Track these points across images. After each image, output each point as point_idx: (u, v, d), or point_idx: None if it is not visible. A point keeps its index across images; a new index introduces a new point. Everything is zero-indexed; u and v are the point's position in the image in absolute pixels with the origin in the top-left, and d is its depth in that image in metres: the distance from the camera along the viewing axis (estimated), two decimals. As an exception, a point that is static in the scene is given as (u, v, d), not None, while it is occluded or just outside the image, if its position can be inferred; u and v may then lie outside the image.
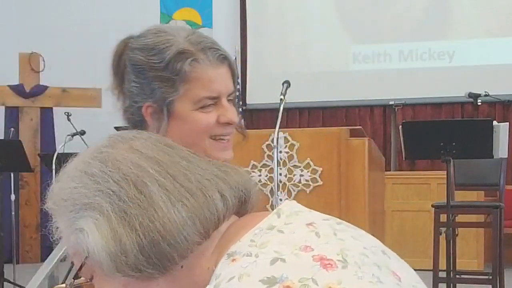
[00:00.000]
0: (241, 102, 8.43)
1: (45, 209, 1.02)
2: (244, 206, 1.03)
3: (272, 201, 4.11)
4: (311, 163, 4.34)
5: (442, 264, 4.79)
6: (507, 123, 4.87)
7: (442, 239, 4.69)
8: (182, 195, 0.95)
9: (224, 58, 1.49)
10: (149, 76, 1.48)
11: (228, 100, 1.49)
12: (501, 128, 4.55)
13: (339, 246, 0.92)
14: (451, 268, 4.72)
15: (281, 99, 4.04)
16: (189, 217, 0.94)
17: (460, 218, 5.50)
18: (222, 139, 1.50)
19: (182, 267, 0.96)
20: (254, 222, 0.97)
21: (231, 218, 1.00)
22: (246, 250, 0.92)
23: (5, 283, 5.87)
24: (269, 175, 4.33)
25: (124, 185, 0.95)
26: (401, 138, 4.75)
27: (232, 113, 1.49)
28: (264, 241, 0.92)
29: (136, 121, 1.55)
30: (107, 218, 0.93)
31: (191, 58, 1.45)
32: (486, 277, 5.27)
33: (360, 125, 6.24)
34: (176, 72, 1.45)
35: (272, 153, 4.01)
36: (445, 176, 4.67)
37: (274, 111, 4.85)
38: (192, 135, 1.47)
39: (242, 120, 8.25)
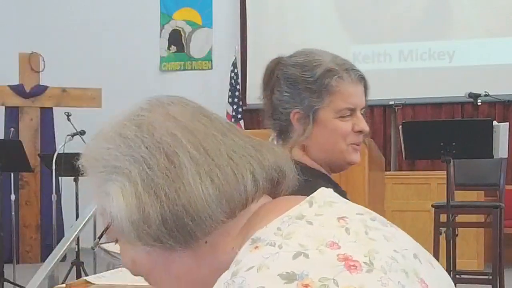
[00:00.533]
0: (241, 102, 8.44)
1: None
2: (278, 187, 0.99)
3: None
4: (311, 163, 4.34)
5: (442, 264, 4.74)
6: (507, 123, 4.87)
7: (442, 239, 4.69)
8: (212, 170, 0.93)
9: (362, 78, 1.87)
10: (300, 87, 1.79)
11: (361, 113, 1.82)
12: (501, 128, 4.55)
13: (368, 246, 0.88)
14: (451, 268, 4.72)
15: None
16: (216, 195, 0.92)
17: (460, 218, 5.50)
18: (355, 145, 1.81)
19: (206, 242, 0.94)
20: (284, 207, 0.93)
21: (263, 198, 0.97)
22: (270, 239, 0.88)
23: (5, 283, 5.87)
24: (269, 175, 4.33)
25: (156, 153, 0.94)
26: (401, 138, 4.75)
27: (364, 123, 1.81)
28: (290, 231, 0.89)
29: (282, 125, 1.83)
30: (134, 186, 0.93)
31: (336, 76, 1.78)
32: (486, 277, 5.27)
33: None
34: (323, 86, 1.77)
35: (272, 153, 4.01)
36: (445, 176, 4.67)
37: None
38: (331, 138, 1.79)
39: (242, 121, 8.28)
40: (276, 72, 1.88)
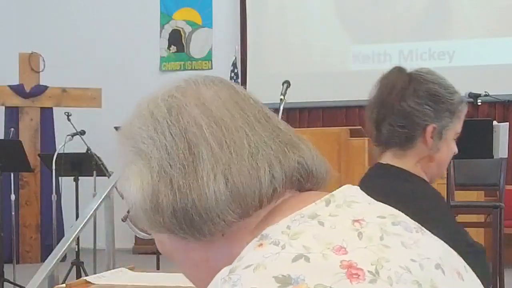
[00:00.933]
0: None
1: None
2: (304, 184, 0.94)
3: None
4: (311, 163, 4.33)
5: (442, 264, 4.78)
6: (507, 123, 4.87)
7: (442, 239, 4.69)
8: (228, 170, 0.90)
9: None
10: (442, 106, 1.98)
11: None
12: (501, 128, 4.55)
13: (379, 254, 0.82)
14: (451, 268, 4.71)
15: (281, 99, 4.05)
16: (227, 196, 0.89)
17: (460, 218, 5.49)
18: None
19: (223, 235, 0.92)
20: (303, 203, 0.89)
21: (288, 192, 0.93)
22: (276, 237, 0.84)
23: (5, 283, 5.87)
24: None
25: (178, 141, 0.92)
26: (401, 138, 4.74)
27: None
28: (298, 231, 0.84)
29: (408, 134, 1.99)
30: (151, 172, 0.92)
31: (464, 104, 2.04)
32: (486, 277, 5.26)
33: (360, 125, 6.23)
34: (457, 110, 2.01)
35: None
36: (445, 176, 4.67)
37: (274, 111, 4.85)
38: (447, 156, 2.04)
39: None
40: (413, 83, 2.03)
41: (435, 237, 0.91)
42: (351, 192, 0.92)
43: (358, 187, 0.94)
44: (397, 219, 0.89)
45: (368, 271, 0.79)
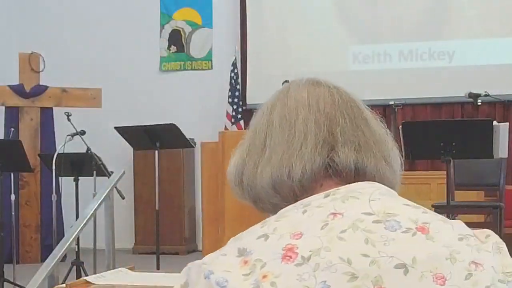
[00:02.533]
0: (241, 102, 8.44)
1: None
2: (345, 177, 1.05)
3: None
4: (311, 163, 4.33)
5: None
6: (507, 123, 4.87)
7: (442, 239, 4.68)
8: (274, 165, 1.06)
9: None
10: None
11: None
12: (501, 128, 4.55)
13: (325, 244, 0.92)
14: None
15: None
16: (269, 186, 1.07)
17: (460, 218, 5.49)
18: None
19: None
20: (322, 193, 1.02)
21: (329, 182, 1.05)
22: (274, 218, 0.99)
23: (5, 283, 5.86)
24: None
25: (260, 132, 1.10)
26: (401, 138, 4.75)
27: None
28: (283, 216, 0.99)
29: None
30: (243, 152, 1.12)
31: None
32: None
33: (360, 125, 6.22)
34: None
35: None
36: (445, 176, 4.67)
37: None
38: None
39: (242, 121, 8.27)
40: None
41: (442, 242, 0.95)
42: (359, 188, 1.02)
43: (375, 183, 1.04)
44: (388, 218, 0.96)
45: (301, 256, 0.91)
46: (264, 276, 0.90)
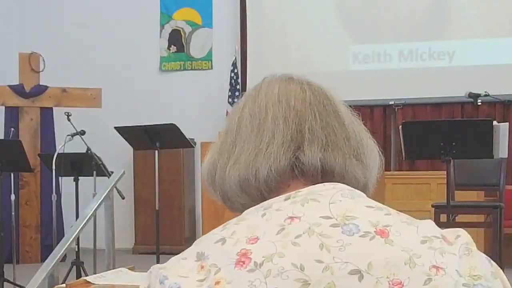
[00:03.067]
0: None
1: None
2: (310, 177, 1.03)
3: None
4: (311, 163, 4.33)
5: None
6: (507, 123, 4.87)
7: (442, 239, 4.68)
8: (240, 166, 1.05)
9: None
10: None
11: None
12: (501, 128, 4.55)
13: (278, 249, 0.90)
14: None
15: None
16: (237, 186, 1.05)
17: (460, 218, 5.50)
18: None
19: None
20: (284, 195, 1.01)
21: (297, 183, 1.03)
22: (235, 220, 0.99)
23: (5, 283, 5.86)
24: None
25: (235, 127, 1.08)
26: (401, 138, 4.75)
27: None
28: (243, 219, 0.98)
29: None
30: (213, 152, 1.11)
31: None
32: (486, 277, 5.25)
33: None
34: None
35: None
36: (445, 176, 4.67)
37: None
38: None
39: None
40: None
41: (401, 246, 0.92)
42: (320, 190, 0.99)
43: (338, 184, 1.01)
44: (346, 222, 0.93)
45: (254, 262, 0.90)
46: (217, 282, 0.89)
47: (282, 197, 0.99)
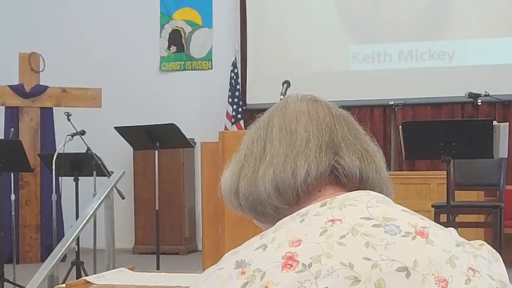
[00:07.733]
0: (241, 102, 8.43)
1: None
2: (346, 184, 1.05)
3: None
4: (311, 163, 4.33)
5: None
6: (507, 123, 4.87)
7: (442, 239, 4.68)
8: (277, 167, 1.05)
9: None
10: None
11: None
12: (501, 128, 4.55)
13: (325, 250, 0.91)
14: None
15: (281, 99, 4.04)
16: (271, 187, 1.05)
17: (460, 218, 5.50)
18: None
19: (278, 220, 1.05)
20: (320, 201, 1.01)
21: (329, 189, 1.05)
22: (272, 229, 0.98)
23: (5, 283, 5.86)
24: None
25: (259, 140, 1.09)
26: (401, 138, 4.75)
27: None
28: (282, 226, 0.98)
29: None
30: (237, 163, 1.11)
31: None
32: (486, 277, 5.25)
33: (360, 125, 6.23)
34: None
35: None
36: (445, 176, 4.67)
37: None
38: None
39: (242, 121, 8.27)
40: None
41: (441, 246, 0.96)
42: (355, 197, 1.01)
43: (371, 192, 1.04)
44: (387, 222, 0.96)
45: (302, 264, 0.90)
46: (266, 287, 0.89)
47: (318, 203, 1.00)
